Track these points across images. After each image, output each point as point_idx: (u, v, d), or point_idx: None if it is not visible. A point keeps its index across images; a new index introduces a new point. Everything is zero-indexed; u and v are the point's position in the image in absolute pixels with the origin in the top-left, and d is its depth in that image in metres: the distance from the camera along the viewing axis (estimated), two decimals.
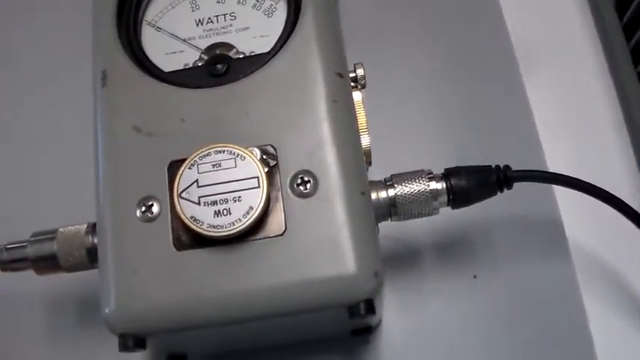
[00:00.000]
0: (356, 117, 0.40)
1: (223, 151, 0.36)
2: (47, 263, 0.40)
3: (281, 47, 0.40)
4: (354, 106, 0.40)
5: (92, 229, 0.39)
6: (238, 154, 0.36)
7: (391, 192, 0.40)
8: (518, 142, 0.49)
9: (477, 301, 0.46)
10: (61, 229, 0.40)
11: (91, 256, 0.39)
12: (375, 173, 0.41)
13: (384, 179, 0.41)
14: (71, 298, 0.48)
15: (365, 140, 0.40)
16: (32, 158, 0.54)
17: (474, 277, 0.47)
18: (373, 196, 0.39)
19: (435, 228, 0.47)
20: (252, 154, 0.36)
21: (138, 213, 0.37)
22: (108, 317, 0.36)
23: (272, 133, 0.37)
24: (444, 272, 0.47)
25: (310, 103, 0.38)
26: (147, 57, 0.41)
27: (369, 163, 0.41)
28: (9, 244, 0.41)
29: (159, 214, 0.37)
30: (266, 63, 0.39)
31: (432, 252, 0.47)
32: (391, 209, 0.40)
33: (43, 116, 0.55)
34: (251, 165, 0.36)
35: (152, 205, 0.37)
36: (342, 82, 0.39)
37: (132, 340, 0.36)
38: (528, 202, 0.46)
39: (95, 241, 0.39)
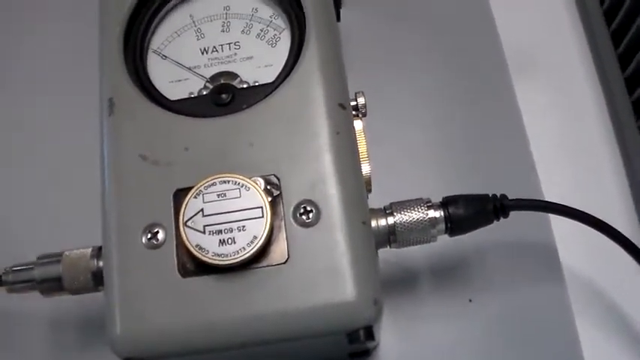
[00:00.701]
0: (357, 146, 0.41)
1: (228, 182, 0.37)
2: (53, 285, 0.41)
3: (285, 78, 0.40)
4: (355, 137, 0.40)
5: (98, 252, 0.40)
6: (243, 185, 0.37)
7: (390, 220, 0.41)
8: (514, 167, 0.50)
9: (472, 325, 0.47)
10: (66, 253, 0.41)
11: (97, 280, 0.40)
12: (375, 200, 0.42)
13: (384, 207, 0.42)
14: (74, 317, 0.49)
15: (365, 168, 0.41)
16: (38, 175, 0.54)
17: (470, 301, 0.48)
18: (373, 224, 0.40)
19: (432, 252, 0.48)
20: (257, 184, 0.37)
21: (143, 240, 0.38)
22: (114, 341, 0.37)
23: (276, 163, 0.38)
24: (440, 296, 0.48)
25: (313, 134, 0.39)
26: (153, 85, 0.42)
27: (369, 191, 0.42)
28: (15, 266, 0.41)
29: (164, 241, 0.37)
30: (270, 93, 0.40)
31: (428, 276, 0.48)
32: (390, 237, 0.41)
33: (50, 137, 0.56)
34: (255, 195, 0.37)
35: (157, 232, 0.38)
36: (344, 113, 0.40)
37: None
38: (523, 227, 0.47)
39: (100, 264, 0.40)
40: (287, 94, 0.40)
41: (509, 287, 0.48)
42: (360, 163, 0.40)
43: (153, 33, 0.44)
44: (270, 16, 0.43)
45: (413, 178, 0.50)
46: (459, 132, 0.52)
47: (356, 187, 0.39)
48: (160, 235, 0.38)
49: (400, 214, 0.41)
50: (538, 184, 0.49)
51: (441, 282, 0.48)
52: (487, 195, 0.43)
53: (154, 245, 0.37)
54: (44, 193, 0.54)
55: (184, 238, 0.36)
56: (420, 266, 0.48)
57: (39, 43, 0.61)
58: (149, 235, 0.38)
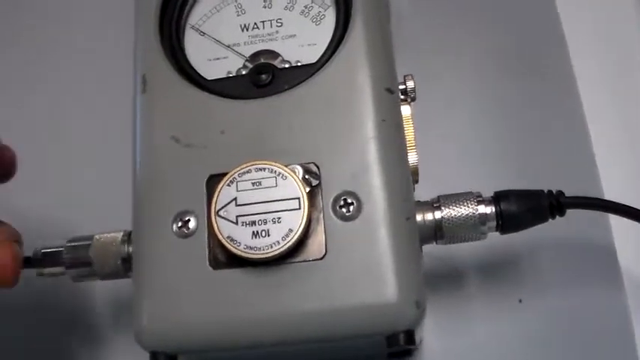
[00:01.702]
0: (404, 134, 0.38)
1: (264, 169, 0.35)
2: (82, 271, 0.39)
3: (328, 58, 0.38)
4: (402, 124, 0.38)
5: (129, 237, 0.38)
6: (280, 173, 0.35)
7: (438, 214, 0.38)
8: (572, 162, 0.47)
9: (521, 326, 0.44)
10: (97, 236, 0.39)
11: (127, 266, 0.38)
12: (422, 190, 0.39)
13: (431, 200, 0.39)
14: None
15: (412, 157, 0.38)
16: (70, 157, 0.53)
17: (520, 301, 0.45)
18: (419, 217, 0.38)
19: (481, 248, 0.45)
20: (294, 172, 0.35)
21: (174, 228, 0.36)
22: (139, 333, 0.35)
23: (316, 150, 0.36)
24: (489, 295, 0.45)
25: (358, 120, 0.36)
26: (189, 63, 0.39)
27: (416, 181, 0.39)
28: (45, 248, 0.40)
29: (195, 229, 0.35)
30: (312, 75, 0.37)
31: (476, 273, 0.46)
32: (437, 232, 0.38)
33: (84, 117, 0.54)
34: (292, 185, 0.34)
35: (189, 220, 0.36)
36: (391, 99, 0.37)
37: (163, 358, 0.35)
38: (580, 226, 0.44)
39: (131, 250, 0.38)
40: (330, 76, 0.37)
41: (562, 288, 0.44)
42: (407, 153, 0.38)
43: (191, 7, 0.41)
44: None
45: (463, 169, 0.47)
46: (514, 121, 0.49)
47: (401, 178, 0.36)
48: (192, 224, 0.35)
49: (448, 208, 0.38)
50: (598, 180, 0.46)
51: (489, 280, 0.45)
52: (542, 191, 0.39)
53: (184, 234, 0.35)
54: (78, 173, 0.52)
55: (215, 228, 0.34)
56: (468, 262, 0.46)
57: (65, 19, 0.59)
58: (180, 224, 0.36)
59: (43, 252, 0.40)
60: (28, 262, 0.39)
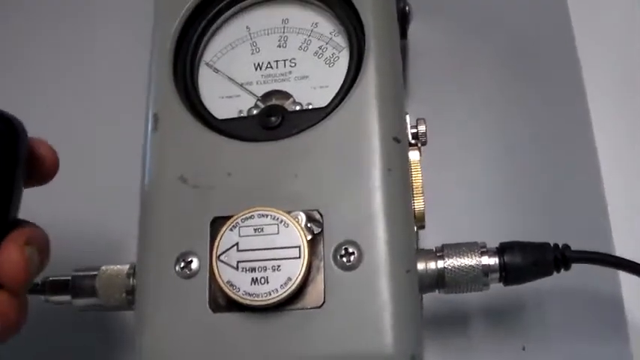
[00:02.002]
0: (411, 182, 0.38)
1: (267, 215, 0.35)
2: (88, 301, 0.40)
3: (339, 103, 0.38)
4: (409, 173, 0.38)
5: (134, 270, 0.39)
6: (282, 220, 0.35)
7: (440, 264, 0.38)
8: (583, 211, 0.46)
9: None
10: (103, 268, 0.40)
11: (131, 298, 0.39)
12: (428, 237, 0.39)
13: (435, 249, 0.39)
14: None
15: (419, 204, 0.38)
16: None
17: (523, 349, 0.45)
18: (421, 266, 0.38)
19: (486, 293, 0.45)
20: (297, 220, 0.35)
21: (177, 268, 0.36)
22: None
23: (320, 197, 0.36)
24: (492, 341, 0.45)
25: (364, 169, 0.36)
26: (201, 101, 0.40)
27: (422, 227, 0.39)
28: (52, 276, 0.41)
29: (198, 271, 0.36)
30: (321, 120, 0.37)
31: (480, 318, 0.45)
32: (439, 281, 0.38)
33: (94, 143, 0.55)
34: (294, 233, 0.35)
35: (191, 261, 0.36)
36: (398, 148, 0.37)
37: None
38: (587, 277, 0.43)
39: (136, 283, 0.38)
40: (339, 123, 0.37)
41: (566, 339, 0.44)
42: (413, 201, 0.38)
43: (207, 43, 0.42)
44: (331, 33, 0.41)
45: (471, 212, 0.46)
46: (527, 168, 0.48)
47: (404, 230, 0.36)
48: (194, 265, 0.36)
49: (451, 258, 0.38)
50: (609, 231, 0.45)
51: (493, 325, 0.45)
52: (547, 244, 0.39)
53: (187, 275, 0.36)
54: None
55: (216, 272, 0.34)
56: (472, 307, 0.45)
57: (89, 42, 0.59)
58: (182, 264, 0.36)
59: (51, 280, 0.40)
60: (35, 288, 0.40)
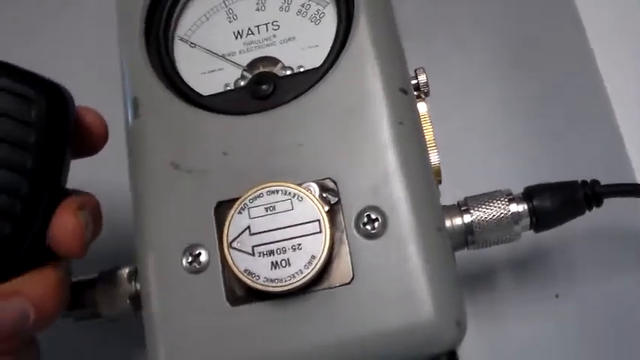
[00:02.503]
0: (423, 135, 0.35)
1: (277, 191, 0.32)
2: (86, 312, 0.36)
3: (333, 61, 0.35)
4: (421, 125, 0.35)
5: (135, 273, 0.35)
6: (295, 194, 0.32)
7: (467, 218, 0.35)
8: (600, 149, 0.44)
9: (561, 322, 0.42)
10: (99, 275, 0.36)
11: (136, 304, 0.35)
12: (445, 192, 0.36)
13: (458, 203, 0.36)
14: None
15: (434, 158, 0.36)
16: None
17: (557, 296, 0.42)
18: (447, 223, 0.35)
19: (512, 244, 0.42)
20: (310, 192, 0.32)
21: (184, 263, 0.32)
22: None
23: (330, 165, 0.33)
24: (524, 292, 0.43)
25: (372, 127, 0.33)
26: (182, 79, 0.36)
27: (439, 182, 0.37)
28: None
29: (208, 263, 0.32)
30: (318, 81, 0.34)
31: (509, 270, 0.43)
32: (468, 237, 0.35)
33: None
34: (310, 206, 0.31)
35: (199, 253, 0.32)
36: (406, 99, 0.34)
37: None
38: (614, 213, 0.41)
39: (139, 287, 0.34)
40: (337, 81, 0.34)
41: (601, 279, 0.42)
42: (428, 154, 0.35)
43: (178, 17, 0.38)
44: None
45: (483, 162, 0.43)
46: (535, 108, 0.45)
47: (426, 185, 0.33)
48: (203, 257, 0.32)
49: (478, 210, 0.36)
50: (630, 165, 0.43)
51: (523, 276, 0.43)
52: (576, 182, 0.37)
53: (196, 269, 0.32)
54: None
55: (230, 262, 0.31)
56: (500, 260, 0.43)
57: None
58: (190, 258, 0.32)
59: None
60: None
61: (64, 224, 0.32)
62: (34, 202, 0.31)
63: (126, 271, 0.36)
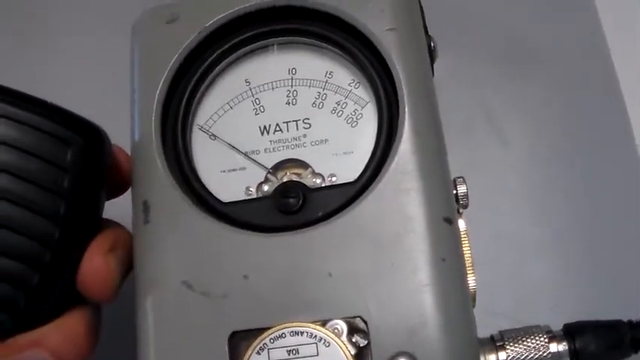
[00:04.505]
0: (465, 267, 0.31)
1: (301, 333, 0.28)
2: None
3: (372, 178, 0.31)
4: (463, 257, 0.31)
5: None
6: (321, 338, 0.28)
7: (502, 355, 0.32)
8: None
9: None
10: None
11: None
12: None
13: (492, 337, 0.33)
14: None
15: (471, 282, 0.32)
16: None
17: None
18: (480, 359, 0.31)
19: None
20: (337, 333, 0.28)
21: None
22: None
23: (362, 301, 0.29)
24: None
25: (412, 262, 0.29)
26: (199, 179, 0.32)
27: (473, 307, 0.33)
28: None
29: None
30: (353, 201, 0.31)
31: None
32: None
33: None
34: (337, 354, 0.28)
35: None
36: (450, 231, 0.30)
37: None
38: None
39: None
40: (375, 204, 0.30)
41: None
42: (469, 289, 0.31)
43: (199, 103, 0.34)
44: (350, 84, 0.34)
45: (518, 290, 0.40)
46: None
47: (466, 332, 0.30)
48: None
49: (514, 347, 0.32)
50: None
51: None
52: (621, 321, 0.34)
53: None
54: None
55: None
56: None
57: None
58: None
59: None
60: None
61: (94, 269, 0.30)
62: (65, 251, 0.29)
63: None
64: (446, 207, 0.31)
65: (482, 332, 0.33)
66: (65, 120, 0.29)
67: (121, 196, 0.33)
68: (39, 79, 0.51)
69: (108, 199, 0.32)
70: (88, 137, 0.29)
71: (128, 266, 0.31)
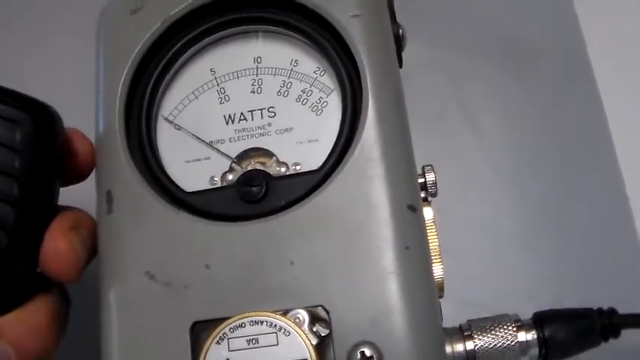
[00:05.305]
0: (429, 253, 0.31)
1: (261, 322, 0.28)
2: None
3: (335, 165, 0.31)
4: (428, 244, 0.31)
5: None
6: (281, 328, 0.28)
7: (469, 344, 0.32)
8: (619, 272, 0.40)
9: None
10: None
11: None
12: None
13: (460, 326, 0.32)
14: None
15: (438, 271, 0.32)
16: None
17: None
18: (447, 350, 0.31)
19: None
20: (299, 324, 0.28)
21: None
22: None
23: (324, 290, 0.29)
24: None
25: (375, 250, 0.29)
26: (163, 169, 0.32)
27: (441, 297, 0.33)
28: None
29: None
30: (316, 188, 0.30)
31: None
32: None
33: None
34: (298, 343, 0.28)
35: None
36: (415, 218, 0.30)
37: None
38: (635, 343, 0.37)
39: None
40: (338, 192, 0.30)
41: None
42: (434, 278, 0.31)
43: (163, 94, 0.34)
44: (315, 72, 0.33)
45: (489, 275, 0.40)
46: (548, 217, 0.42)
47: (431, 322, 0.29)
48: None
49: (481, 336, 0.32)
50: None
51: None
52: (591, 310, 0.33)
53: None
54: None
55: None
56: None
57: None
58: None
59: None
60: None
61: (56, 248, 0.29)
62: (22, 235, 0.28)
63: None
64: (410, 194, 0.30)
65: (456, 323, 0.33)
66: (12, 99, 0.28)
67: (84, 185, 0.33)
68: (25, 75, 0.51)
69: (68, 184, 0.31)
70: (36, 115, 0.28)
71: (92, 248, 0.31)
